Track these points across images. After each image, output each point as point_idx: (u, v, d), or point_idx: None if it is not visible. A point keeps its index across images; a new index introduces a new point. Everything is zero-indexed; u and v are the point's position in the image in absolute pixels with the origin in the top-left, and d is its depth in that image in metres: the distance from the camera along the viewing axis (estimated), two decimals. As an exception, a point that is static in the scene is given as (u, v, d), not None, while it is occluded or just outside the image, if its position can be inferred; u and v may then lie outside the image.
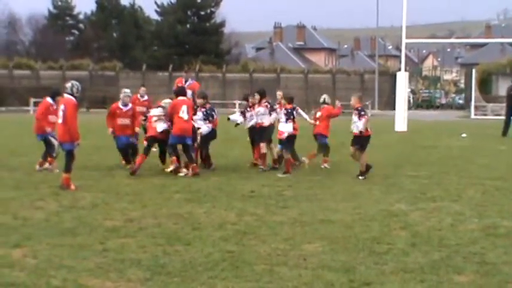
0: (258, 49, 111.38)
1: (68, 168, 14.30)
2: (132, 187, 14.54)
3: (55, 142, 16.33)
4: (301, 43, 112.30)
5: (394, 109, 40.46)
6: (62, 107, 14.48)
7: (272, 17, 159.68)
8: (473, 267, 8.33)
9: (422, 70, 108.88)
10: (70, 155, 14.39)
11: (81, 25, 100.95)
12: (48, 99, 17.22)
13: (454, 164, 19.44)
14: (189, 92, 18.50)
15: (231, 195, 13.55)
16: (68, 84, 14.81)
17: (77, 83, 14.93)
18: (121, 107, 17.90)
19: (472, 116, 55.42)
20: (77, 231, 10.06)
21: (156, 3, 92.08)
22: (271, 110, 17.60)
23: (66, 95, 14.64)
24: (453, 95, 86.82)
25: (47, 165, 16.97)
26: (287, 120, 16.85)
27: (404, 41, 39.76)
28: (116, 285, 7.47)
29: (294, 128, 16.93)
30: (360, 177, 16.12)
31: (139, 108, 20.20)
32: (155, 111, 17.17)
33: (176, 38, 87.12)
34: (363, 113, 16.47)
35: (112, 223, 10.70)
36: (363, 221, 11.07)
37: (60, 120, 14.49)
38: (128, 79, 72.32)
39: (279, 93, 19.10)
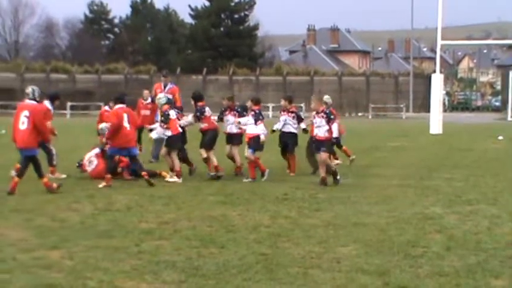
0: (292, 52, 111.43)
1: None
2: (166, 190, 14.63)
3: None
4: (335, 45, 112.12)
5: (429, 112, 40.20)
6: (26, 113, 14.05)
7: (306, 20, 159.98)
8: (511, 271, 8.24)
9: (457, 72, 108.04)
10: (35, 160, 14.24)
11: (116, 29, 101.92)
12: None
13: (490, 167, 19.26)
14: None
15: (264, 198, 13.56)
16: (29, 90, 14.50)
17: (37, 88, 14.70)
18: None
19: (509, 118, 54.81)
20: (112, 233, 10.15)
21: (190, 6, 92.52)
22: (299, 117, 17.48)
23: (28, 101, 14.29)
24: (489, 97, 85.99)
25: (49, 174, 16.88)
26: (256, 121, 16.47)
27: (439, 42, 39.48)
28: (151, 287, 7.53)
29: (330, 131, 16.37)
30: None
31: (143, 112, 20.22)
32: (184, 121, 17.04)
33: (210, 41, 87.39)
34: (332, 117, 15.71)
35: (147, 225, 10.78)
36: (397, 224, 11.02)
37: (24, 127, 14.00)
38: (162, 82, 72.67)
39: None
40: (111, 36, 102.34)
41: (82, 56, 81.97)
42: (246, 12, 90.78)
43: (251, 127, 16.41)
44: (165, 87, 19.03)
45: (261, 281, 7.71)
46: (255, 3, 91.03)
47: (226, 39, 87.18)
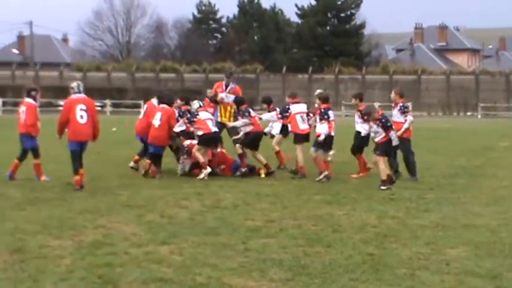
0: (399, 50, 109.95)
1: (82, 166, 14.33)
2: (272, 188, 14.72)
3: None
4: (443, 44, 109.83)
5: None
6: (82, 106, 14.28)
7: (413, 18, 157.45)
8: None
9: None
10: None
11: (223, 29, 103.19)
12: (154, 102, 17.51)
13: None
14: (231, 97, 18.09)
15: (371, 198, 13.46)
16: (74, 84, 14.68)
17: (81, 82, 14.98)
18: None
19: None
20: (220, 230, 10.29)
21: (296, 5, 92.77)
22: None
23: (78, 95, 14.45)
24: None
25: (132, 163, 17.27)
26: (321, 120, 16.14)
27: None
28: (259, 284, 7.60)
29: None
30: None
31: (209, 110, 19.74)
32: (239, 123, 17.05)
33: (316, 40, 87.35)
34: (389, 124, 15.10)
35: (253, 223, 10.88)
36: (509, 225, 10.73)
37: (84, 121, 14.23)
38: (268, 81, 73.24)
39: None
40: (219, 35, 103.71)
41: (190, 56, 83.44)
42: (353, 11, 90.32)
43: (318, 125, 16.22)
44: (226, 86, 18.66)
45: (367, 281, 7.67)
46: (361, 1, 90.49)
47: (332, 38, 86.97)
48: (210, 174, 16.02)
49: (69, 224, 10.61)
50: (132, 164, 17.21)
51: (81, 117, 14.22)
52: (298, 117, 16.75)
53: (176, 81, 72.97)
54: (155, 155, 16.40)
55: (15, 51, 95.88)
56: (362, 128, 16.39)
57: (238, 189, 14.47)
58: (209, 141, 16.38)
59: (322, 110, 16.18)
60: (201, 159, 16.13)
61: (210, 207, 12.24)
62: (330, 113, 16.17)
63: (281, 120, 17.07)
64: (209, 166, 16.19)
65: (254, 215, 11.54)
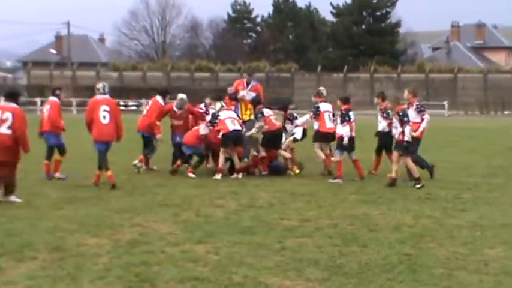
0: (435, 49, 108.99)
1: (108, 165, 14.75)
2: (307, 188, 14.71)
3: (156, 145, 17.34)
4: (480, 42, 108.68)
5: None
6: (105, 107, 14.58)
7: (449, 16, 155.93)
8: None
9: None
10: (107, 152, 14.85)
11: (258, 28, 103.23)
12: (158, 98, 17.77)
13: None
14: (252, 94, 17.73)
15: (407, 198, 13.39)
16: (100, 85, 15.05)
17: (106, 83, 15.35)
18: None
19: None
20: (256, 229, 10.31)
21: (331, 4, 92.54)
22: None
23: (102, 96, 14.87)
24: None
25: (136, 161, 17.41)
26: (342, 122, 15.93)
27: None
28: (295, 283, 7.60)
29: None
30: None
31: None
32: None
33: (351, 39, 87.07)
34: (406, 119, 15.00)
35: (289, 223, 10.89)
36: (547, 226, 10.61)
37: (106, 121, 14.54)
38: (303, 80, 73.22)
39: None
40: (253, 35, 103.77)
41: (225, 55, 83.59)
42: (388, 9, 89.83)
43: (338, 127, 16.06)
44: (248, 84, 18.35)
45: (404, 282, 7.64)
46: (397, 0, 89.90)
47: (367, 37, 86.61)
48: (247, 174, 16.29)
49: (106, 222, 10.71)
50: (136, 162, 17.36)
51: (104, 117, 14.55)
52: (326, 115, 16.77)
53: (211, 81, 73.24)
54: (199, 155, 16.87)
55: (53, 51, 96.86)
56: (383, 126, 16.34)
57: (274, 189, 14.48)
58: (229, 140, 16.33)
59: (343, 112, 16.00)
60: (220, 163, 16.36)
61: (245, 207, 12.27)
62: (351, 114, 16.03)
63: (314, 118, 16.94)
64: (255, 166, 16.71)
65: (290, 214, 11.55)
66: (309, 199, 13.17)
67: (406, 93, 16.64)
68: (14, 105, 12.58)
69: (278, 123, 17.01)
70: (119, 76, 74.87)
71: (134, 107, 64.46)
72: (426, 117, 16.15)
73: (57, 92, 16.34)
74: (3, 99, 12.84)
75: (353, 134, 16.05)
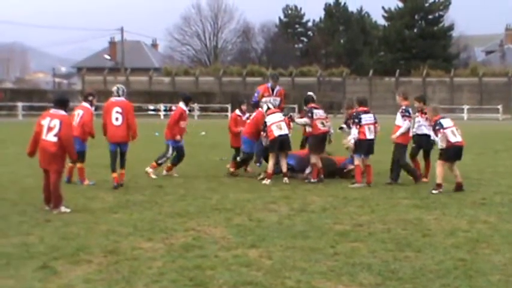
0: (488, 52, 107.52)
1: (124, 165, 15.18)
2: (360, 192, 14.64)
3: (170, 151, 17.18)
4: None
5: None
6: (117, 109, 15.00)
7: (504, 19, 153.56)
8: None
9: None
10: (125, 155, 15.23)
11: (310, 32, 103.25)
12: (182, 105, 17.78)
13: None
14: (278, 100, 17.76)
15: (461, 202, 13.24)
16: (115, 88, 15.37)
17: (122, 86, 15.57)
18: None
19: None
20: (308, 234, 10.30)
21: (383, 8, 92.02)
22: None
23: (116, 98, 15.17)
24: None
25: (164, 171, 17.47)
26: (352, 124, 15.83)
27: None
28: (348, 288, 7.59)
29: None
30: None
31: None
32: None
33: (403, 42, 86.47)
34: (435, 126, 14.74)
35: (342, 227, 10.85)
36: None
37: (119, 123, 14.97)
38: (355, 85, 72.96)
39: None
40: (305, 39, 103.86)
41: (277, 59, 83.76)
42: (441, 13, 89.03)
43: (352, 130, 15.88)
44: (273, 90, 18.18)
45: (459, 288, 7.56)
46: (450, 3, 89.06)
47: (419, 40, 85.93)
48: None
49: (160, 226, 10.81)
50: (164, 172, 17.40)
51: (116, 119, 15.00)
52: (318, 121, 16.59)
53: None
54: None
55: (106, 56, 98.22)
56: (427, 130, 16.03)
57: (326, 193, 14.45)
58: (274, 146, 16.35)
59: (354, 113, 15.99)
60: (270, 168, 16.41)
61: (298, 211, 12.26)
62: (363, 116, 15.76)
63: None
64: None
65: (342, 219, 11.51)
66: (361, 204, 13.11)
67: (397, 97, 16.51)
68: (62, 112, 12.48)
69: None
70: (171, 81, 75.51)
71: (187, 112, 64.96)
72: (406, 123, 15.91)
73: (90, 97, 16.08)
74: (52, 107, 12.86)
75: (369, 137, 15.78)
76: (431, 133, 15.41)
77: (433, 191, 14.39)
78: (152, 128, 34.79)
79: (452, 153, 14.68)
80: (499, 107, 62.12)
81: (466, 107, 62.45)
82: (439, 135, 14.64)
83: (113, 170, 15.07)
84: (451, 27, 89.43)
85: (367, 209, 12.55)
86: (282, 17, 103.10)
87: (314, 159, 16.43)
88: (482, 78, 71.78)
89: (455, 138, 14.65)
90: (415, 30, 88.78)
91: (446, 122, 14.80)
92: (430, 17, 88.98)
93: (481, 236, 10.18)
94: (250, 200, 13.49)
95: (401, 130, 15.84)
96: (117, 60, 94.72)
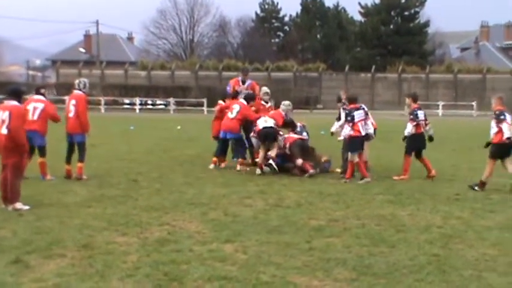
0: (463, 49, 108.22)
1: (82, 159, 15.34)
2: (335, 187, 14.68)
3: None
4: (510, 42, 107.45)
5: None
6: (73, 101, 15.39)
7: (479, 16, 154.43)
8: None
9: None
10: (82, 146, 15.41)
11: (286, 27, 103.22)
12: (221, 102, 18.48)
13: None
14: (247, 92, 18.11)
15: (435, 198, 13.32)
16: (76, 81, 15.81)
17: (84, 80, 15.93)
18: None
19: None
20: (283, 229, 10.31)
21: (360, 4, 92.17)
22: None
23: (75, 91, 15.54)
24: None
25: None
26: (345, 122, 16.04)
27: None
28: (323, 284, 7.59)
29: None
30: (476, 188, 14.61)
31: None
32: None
33: (379, 38, 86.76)
34: (502, 117, 14.52)
35: (317, 222, 10.87)
36: None
37: (71, 114, 15.33)
38: (331, 80, 73.07)
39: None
40: (281, 34, 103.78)
41: (253, 54, 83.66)
42: (417, 9, 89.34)
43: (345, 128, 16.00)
44: (243, 82, 18.74)
45: (433, 283, 7.59)
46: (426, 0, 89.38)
47: (395, 37, 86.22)
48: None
49: (134, 221, 10.77)
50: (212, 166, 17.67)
51: (70, 111, 15.36)
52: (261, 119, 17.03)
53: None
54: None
55: (81, 50, 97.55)
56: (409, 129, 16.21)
57: (301, 188, 14.47)
58: (261, 137, 16.89)
59: (346, 111, 16.08)
60: (259, 159, 16.87)
61: (273, 206, 12.27)
62: (355, 113, 15.78)
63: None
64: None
65: (317, 214, 11.53)
66: (336, 199, 13.14)
67: (341, 93, 17.07)
68: (14, 103, 12.05)
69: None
70: (147, 75, 75.19)
71: (162, 106, 64.82)
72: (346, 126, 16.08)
73: (42, 90, 15.91)
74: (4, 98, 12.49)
75: (364, 134, 15.84)
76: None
77: (475, 188, 14.53)
78: (128, 122, 34.59)
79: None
80: (474, 103, 62.59)
81: (441, 103, 62.81)
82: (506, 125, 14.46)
83: (66, 162, 15.44)
84: (426, 24, 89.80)
85: (342, 204, 12.58)
86: (259, 12, 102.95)
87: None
88: (457, 75, 72.21)
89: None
90: (391, 27, 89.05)
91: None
92: (406, 13, 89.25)
93: (455, 231, 10.25)
94: (226, 194, 13.48)
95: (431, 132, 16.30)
96: (92, 53, 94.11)
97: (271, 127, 16.79)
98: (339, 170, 16.68)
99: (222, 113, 18.27)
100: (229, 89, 18.95)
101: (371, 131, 16.20)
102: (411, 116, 16.29)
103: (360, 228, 10.48)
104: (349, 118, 15.81)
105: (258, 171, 16.67)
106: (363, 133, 15.84)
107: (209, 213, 11.52)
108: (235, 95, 18.39)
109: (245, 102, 17.60)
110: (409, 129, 16.23)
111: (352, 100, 16.29)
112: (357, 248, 9.13)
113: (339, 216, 11.36)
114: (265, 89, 18.97)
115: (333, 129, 17.32)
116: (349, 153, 15.82)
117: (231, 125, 17.38)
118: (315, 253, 8.84)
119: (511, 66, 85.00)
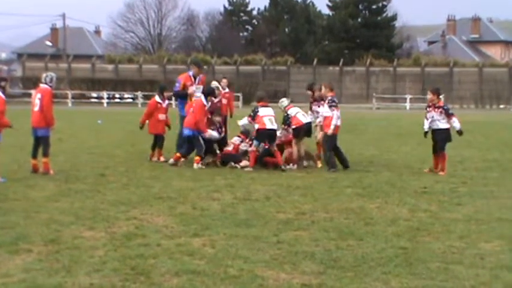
0: (430, 43, 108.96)
1: (46, 153, 15.18)
2: (303, 181, 14.71)
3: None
4: (476, 36, 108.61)
5: None
6: (38, 95, 15.27)
7: (446, 10, 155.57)
8: None
9: None
10: (46, 141, 15.26)
11: (254, 21, 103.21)
12: (157, 98, 18.25)
13: None
14: (200, 88, 17.48)
15: (403, 191, 13.40)
16: (43, 75, 15.70)
17: (52, 74, 15.82)
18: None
19: None
20: (252, 222, 10.30)
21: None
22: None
23: (42, 85, 15.40)
24: None
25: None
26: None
27: None
28: (290, 277, 7.58)
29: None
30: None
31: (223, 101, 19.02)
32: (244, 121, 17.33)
33: (347, 32, 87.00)
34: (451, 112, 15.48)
35: (285, 216, 10.88)
36: (543, 221, 10.61)
37: (36, 108, 15.19)
38: (299, 74, 73.14)
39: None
40: (250, 28, 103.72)
41: (221, 48, 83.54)
42: (384, 3, 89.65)
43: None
44: (195, 78, 17.85)
45: (400, 275, 7.62)
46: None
47: (363, 30, 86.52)
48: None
49: (102, 215, 10.69)
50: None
51: (36, 105, 15.23)
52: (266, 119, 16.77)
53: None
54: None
55: (48, 43, 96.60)
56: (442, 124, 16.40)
57: (269, 182, 14.47)
58: (264, 136, 16.74)
59: (330, 98, 16.52)
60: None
61: (241, 200, 12.25)
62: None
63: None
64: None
65: (285, 208, 11.54)
66: (304, 192, 13.17)
67: (322, 88, 16.86)
68: None
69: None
70: (114, 68, 74.69)
71: (130, 100, 64.46)
72: (335, 113, 16.32)
73: (2, 83, 14.73)
74: None
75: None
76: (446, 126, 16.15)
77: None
78: (95, 115, 34.33)
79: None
80: (441, 96, 63.07)
81: (408, 96, 63.22)
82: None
83: (32, 156, 15.30)
84: (394, 18, 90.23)
85: (310, 197, 12.61)
86: (227, 5, 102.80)
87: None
88: (424, 68, 72.65)
89: None
90: (359, 20, 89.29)
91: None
92: (373, 7, 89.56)
93: (422, 224, 10.32)
94: (194, 188, 13.43)
95: (334, 122, 16.25)
96: (59, 46, 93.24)
97: (275, 129, 16.86)
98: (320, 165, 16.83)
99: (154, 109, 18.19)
100: (178, 85, 17.87)
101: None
102: (450, 112, 16.75)
103: (328, 221, 10.51)
104: (334, 104, 16.35)
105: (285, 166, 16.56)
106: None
107: (177, 207, 11.47)
108: (184, 93, 17.59)
109: (203, 98, 17.04)
110: (443, 124, 16.39)
111: (332, 89, 16.92)
112: (324, 241, 9.14)
113: (307, 210, 11.38)
114: (215, 83, 18.85)
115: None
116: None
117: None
118: (283, 246, 8.84)
119: (477, 59, 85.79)
